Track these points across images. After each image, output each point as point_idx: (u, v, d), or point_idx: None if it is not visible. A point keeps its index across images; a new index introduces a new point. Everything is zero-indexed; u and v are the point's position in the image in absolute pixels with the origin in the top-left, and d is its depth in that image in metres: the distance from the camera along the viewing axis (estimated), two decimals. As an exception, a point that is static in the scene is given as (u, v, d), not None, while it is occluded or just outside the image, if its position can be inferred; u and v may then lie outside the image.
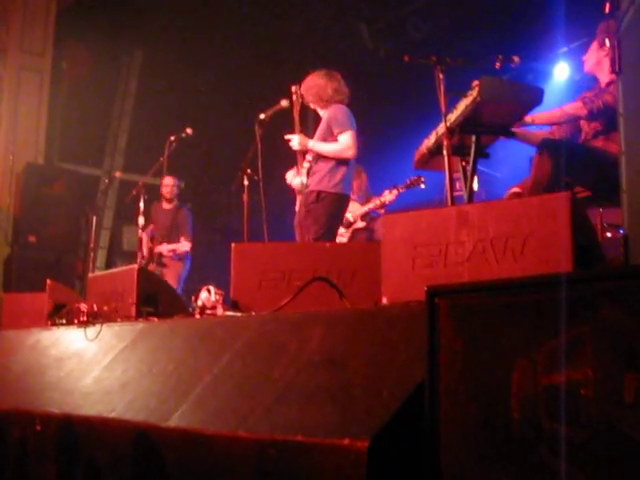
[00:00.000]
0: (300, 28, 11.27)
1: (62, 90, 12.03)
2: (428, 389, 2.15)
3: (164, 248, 9.84)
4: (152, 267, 9.75)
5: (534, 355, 1.92)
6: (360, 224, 8.48)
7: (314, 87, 6.66)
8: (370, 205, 8.40)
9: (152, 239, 9.97)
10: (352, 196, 7.81)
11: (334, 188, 6.43)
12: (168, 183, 10.12)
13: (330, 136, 6.49)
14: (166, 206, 10.21)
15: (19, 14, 11.39)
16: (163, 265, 9.89)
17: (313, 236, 6.24)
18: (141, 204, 8.99)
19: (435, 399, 2.12)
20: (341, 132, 6.44)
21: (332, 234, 6.52)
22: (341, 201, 6.57)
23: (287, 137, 6.59)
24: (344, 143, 6.42)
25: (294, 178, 6.73)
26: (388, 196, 8.42)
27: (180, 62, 11.74)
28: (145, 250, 9.95)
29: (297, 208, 6.67)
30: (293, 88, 6.69)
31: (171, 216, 10.06)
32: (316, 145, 6.50)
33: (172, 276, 9.74)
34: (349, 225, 8.38)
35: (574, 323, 1.85)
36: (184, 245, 9.76)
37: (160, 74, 12.17)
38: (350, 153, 6.47)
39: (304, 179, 6.56)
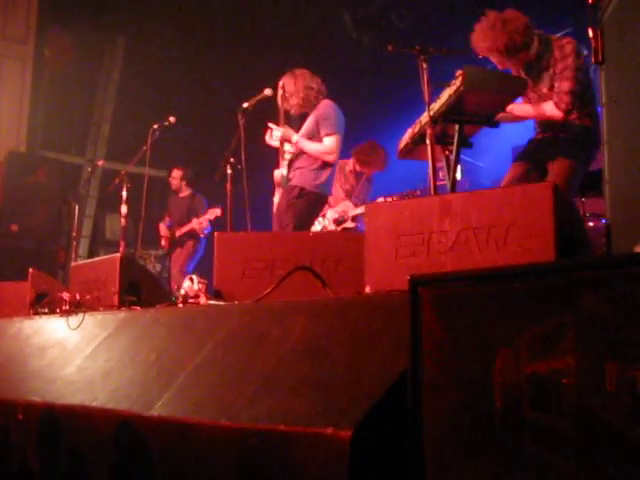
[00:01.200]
0: (284, 17, 11.24)
1: (44, 78, 11.96)
2: (411, 378, 2.16)
3: (194, 223, 10.13)
4: (178, 251, 10.25)
5: (516, 344, 1.92)
6: (350, 224, 8.48)
7: (297, 95, 6.63)
8: (363, 208, 8.42)
9: (170, 229, 10.37)
10: (351, 198, 7.91)
11: (317, 188, 6.46)
12: (175, 176, 10.57)
13: (317, 133, 6.48)
14: (181, 194, 10.59)
15: (1, 2, 11.32)
16: (183, 244, 10.26)
17: (291, 230, 6.25)
18: (124, 193, 8.94)
19: (418, 388, 2.13)
20: (328, 135, 6.44)
21: (307, 230, 6.54)
22: (321, 201, 6.64)
23: (271, 125, 6.58)
24: (328, 147, 6.43)
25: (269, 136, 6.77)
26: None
27: (163, 50, 11.70)
28: (164, 241, 10.43)
29: (276, 199, 6.67)
30: (280, 83, 6.68)
31: (187, 203, 10.44)
32: (300, 141, 6.49)
33: (185, 254, 10.17)
34: (339, 223, 8.40)
35: (556, 312, 1.86)
36: (214, 212, 9.92)
37: (143, 62, 12.12)
38: (331, 158, 6.48)
39: (284, 171, 6.57)
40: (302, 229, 6.33)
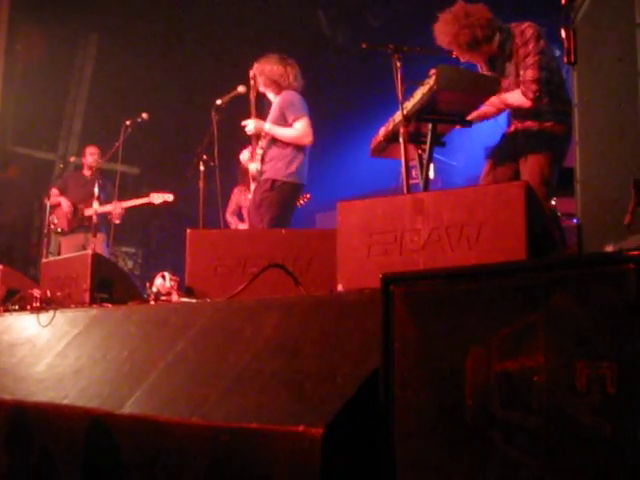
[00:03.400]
0: (257, 14, 11.22)
1: (16, 73, 11.86)
2: (383, 376, 2.16)
3: (116, 207, 9.27)
4: (81, 236, 9.45)
5: (488, 342, 1.93)
6: None
7: (271, 72, 6.59)
8: None
9: (75, 206, 9.57)
10: None
11: (289, 177, 6.39)
12: (94, 151, 9.87)
13: (283, 122, 6.44)
14: (87, 174, 9.89)
15: (-28, -3, 11.23)
16: (92, 230, 9.29)
17: (267, 224, 6.20)
18: (95, 189, 8.91)
19: (389, 386, 2.13)
20: (297, 119, 6.39)
21: (285, 223, 6.47)
22: (295, 190, 6.52)
23: (243, 123, 6.55)
24: (301, 130, 6.38)
25: (250, 162, 6.71)
26: None
27: (136, 46, 11.63)
28: (62, 219, 9.58)
29: (251, 195, 6.64)
30: (251, 73, 6.64)
31: (92, 184, 9.46)
32: (272, 128, 6.43)
33: (99, 244, 9.34)
34: None
35: (527, 311, 1.87)
36: (119, 206, 9.24)
37: (116, 58, 12.04)
38: (308, 140, 6.43)
39: (258, 165, 6.52)
40: (279, 222, 6.28)
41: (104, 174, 9.32)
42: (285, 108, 6.45)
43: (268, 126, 6.45)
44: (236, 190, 9.07)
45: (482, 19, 5.03)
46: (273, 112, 6.53)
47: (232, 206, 9.12)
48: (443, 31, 5.09)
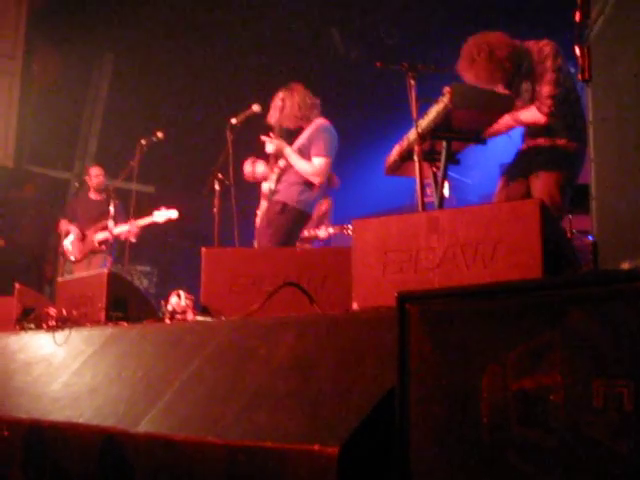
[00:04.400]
0: (272, 33, 11.26)
1: (32, 93, 11.91)
2: (398, 394, 2.15)
3: (132, 226, 9.12)
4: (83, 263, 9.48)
5: (504, 360, 1.92)
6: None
7: (296, 109, 6.58)
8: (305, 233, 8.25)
9: (83, 233, 9.60)
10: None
11: (299, 204, 6.38)
12: (99, 173, 9.93)
13: (307, 151, 6.43)
14: (94, 196, 9.98)
15: (-12, 16, 11.30)
16: (95, 254, 9.47)
17: (274, 246, 6.20)
18: (111, 208, 8.94)
19: (405, 404, 2.12)
20: (318, 155, 6.37)
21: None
22: (302, 218, 6.53)
23: (264, 138, 6.54)
24: (316, 168, 6.34)
25: (251, 168, 6.70)
26: (321, 232, 8.35)
27: (151, 65, 11.68)
28: (75, 248, 9.61)
29: (259, 211, 6.64)
30: (280, 95, 6.64)
31: (101, 207, 9.62)
32: (291, 155, 6.41)
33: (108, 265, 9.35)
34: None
35: (543, 329, 1.86)
36: (133, 225, 9.11)
37: (131, 77, 12.10)
38: (317, 180, 6.39)
39: (272, 185, 6.52)
40: (283, 246, 6.27)
41: (117, 194, 9.34)
42: (314, 139, 6.43)
43: (289, 150, 6.43)
44: None
45: (504, 50, 5.05)
46: (302, 138, 6.51)
47: None
48: (476, 74, 5.09)
